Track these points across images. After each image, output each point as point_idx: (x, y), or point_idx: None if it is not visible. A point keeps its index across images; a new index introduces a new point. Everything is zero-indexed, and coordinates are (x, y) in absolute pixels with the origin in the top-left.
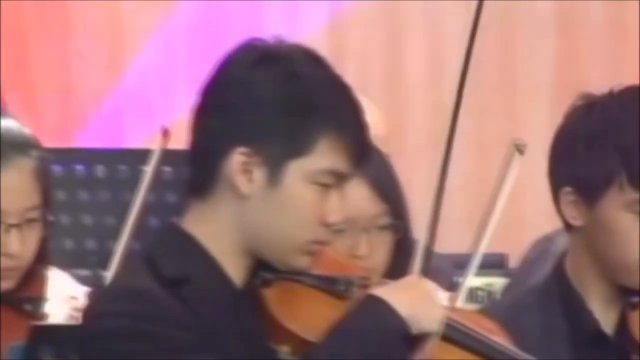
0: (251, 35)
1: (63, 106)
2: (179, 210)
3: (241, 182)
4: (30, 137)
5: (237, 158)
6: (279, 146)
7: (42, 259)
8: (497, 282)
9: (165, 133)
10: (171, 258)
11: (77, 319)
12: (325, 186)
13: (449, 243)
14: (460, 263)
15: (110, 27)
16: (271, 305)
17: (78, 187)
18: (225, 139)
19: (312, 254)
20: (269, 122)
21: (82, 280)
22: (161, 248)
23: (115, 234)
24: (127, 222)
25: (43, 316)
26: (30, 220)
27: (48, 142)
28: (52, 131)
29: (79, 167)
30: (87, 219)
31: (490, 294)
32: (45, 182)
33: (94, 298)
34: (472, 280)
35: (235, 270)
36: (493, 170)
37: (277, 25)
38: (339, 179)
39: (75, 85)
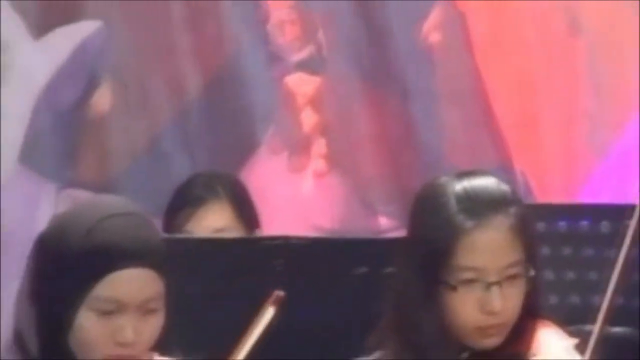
0: None
1: (568, 165)
2: None
3: None
4: (508, 194)
5: None
6: None
7: (530, 313)
8: None
9: None
10: None
11: None
12: None
13: None
14: None
15: (615, 83)
16: None
17: (583, 243)
18: None
19: None
20: None
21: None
22: None
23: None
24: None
25: None
26: (510, 277)
27: (553, 198)
28: (557, 188)
29: (584, 223)
30: (593, 275)
31: None
32: (527, 238)
33: None
34: None
35: None
36: None
37: None
38: None
39: (580, 144)
